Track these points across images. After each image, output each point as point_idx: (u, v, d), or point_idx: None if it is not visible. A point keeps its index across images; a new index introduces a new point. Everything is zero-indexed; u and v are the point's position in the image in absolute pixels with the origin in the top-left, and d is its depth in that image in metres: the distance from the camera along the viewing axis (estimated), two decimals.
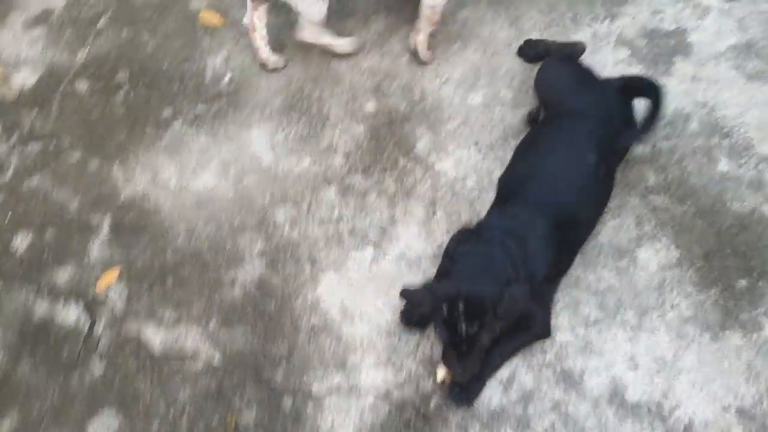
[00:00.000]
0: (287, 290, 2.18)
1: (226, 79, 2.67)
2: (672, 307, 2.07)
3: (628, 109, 2.20)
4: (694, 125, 2.38)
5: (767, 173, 2.28)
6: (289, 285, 2.19)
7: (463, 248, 1.94)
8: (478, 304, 1.77)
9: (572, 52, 2.42)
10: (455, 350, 1.82)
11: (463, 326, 1.77)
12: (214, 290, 2.22)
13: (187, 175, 2.46)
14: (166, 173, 2.48)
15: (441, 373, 1.97)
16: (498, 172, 2.29)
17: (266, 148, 2.49)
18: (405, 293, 1.85)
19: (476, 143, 2.42)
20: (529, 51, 2.52)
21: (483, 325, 1.77)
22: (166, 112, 2.61)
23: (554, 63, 2.36)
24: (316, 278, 2.19)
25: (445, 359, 1.89)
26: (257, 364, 2.06)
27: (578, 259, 2.10)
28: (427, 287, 1.88)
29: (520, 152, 2.16)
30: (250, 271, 2.23)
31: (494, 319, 1.77)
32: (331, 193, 2.35)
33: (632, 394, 1.94)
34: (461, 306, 1.75)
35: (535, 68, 2.43)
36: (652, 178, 2.29)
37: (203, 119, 2.57)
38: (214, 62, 2.72)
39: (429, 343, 2.06)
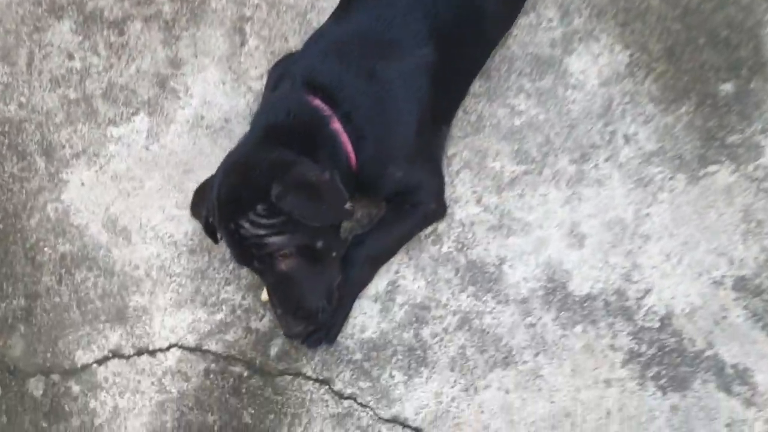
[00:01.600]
0: (11, 206, 1.75)
1: None
2: (626, 140, 1.67)
3: None
4: None
5: None
6: (13, 197, 1.75)
7: (273, 94, 1.46)
8: (246, 185, 1.29)
9: None
10: (263, 278, 1.37)
11: (233, 224, 1.28)
12: None
13: None
14: None
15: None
16: None
17: None
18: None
19: None
20: None
21: (259, 223, 1.25)
22: None
23: None
24: (58, 178, 1.76)
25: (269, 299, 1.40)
26: None
27: (477, 85, 1.69)
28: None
29: None
30: None
31: (275, 212, 1.26)
32: (64, 30, 1.83)
33: (579, 285, 1.60)
34: (222, 190, 1.31)
35: None
36: None
37: None
38: None
39: None
